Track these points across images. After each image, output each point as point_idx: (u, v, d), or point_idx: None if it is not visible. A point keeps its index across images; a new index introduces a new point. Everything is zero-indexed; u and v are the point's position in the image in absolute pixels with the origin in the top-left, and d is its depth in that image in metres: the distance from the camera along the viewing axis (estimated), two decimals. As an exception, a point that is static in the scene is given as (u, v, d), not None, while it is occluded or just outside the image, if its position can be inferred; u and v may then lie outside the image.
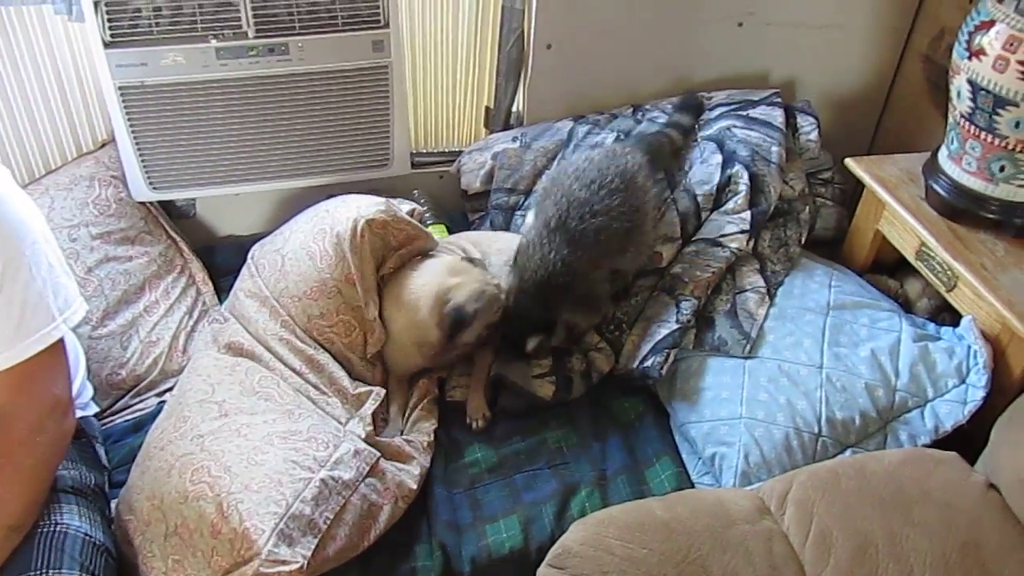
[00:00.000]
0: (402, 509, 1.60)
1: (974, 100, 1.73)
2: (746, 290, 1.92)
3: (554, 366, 1.84)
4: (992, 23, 1.67)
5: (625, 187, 1.81)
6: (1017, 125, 1.68)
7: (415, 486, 1.63)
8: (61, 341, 1.38)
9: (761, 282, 1.93)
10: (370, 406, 1.71)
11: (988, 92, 1.69)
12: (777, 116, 2.13)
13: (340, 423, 1.67)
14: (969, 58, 1.71)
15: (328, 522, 1.46)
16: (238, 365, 1.73)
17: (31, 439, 1.34)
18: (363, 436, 1.64)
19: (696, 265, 1.92)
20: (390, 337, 1.82)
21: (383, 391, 1.76)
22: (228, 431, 1.55)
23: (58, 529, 1.37)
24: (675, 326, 1.83)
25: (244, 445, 1.52)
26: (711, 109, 2.20)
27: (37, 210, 1.42)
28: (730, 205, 2.00)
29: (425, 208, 2.20)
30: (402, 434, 1.75)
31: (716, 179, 2.02)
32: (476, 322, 1.76)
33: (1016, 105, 1.66)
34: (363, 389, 1.74)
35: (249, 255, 1.92)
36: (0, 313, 1.29)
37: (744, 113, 2.15)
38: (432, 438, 1.75)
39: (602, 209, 1.78)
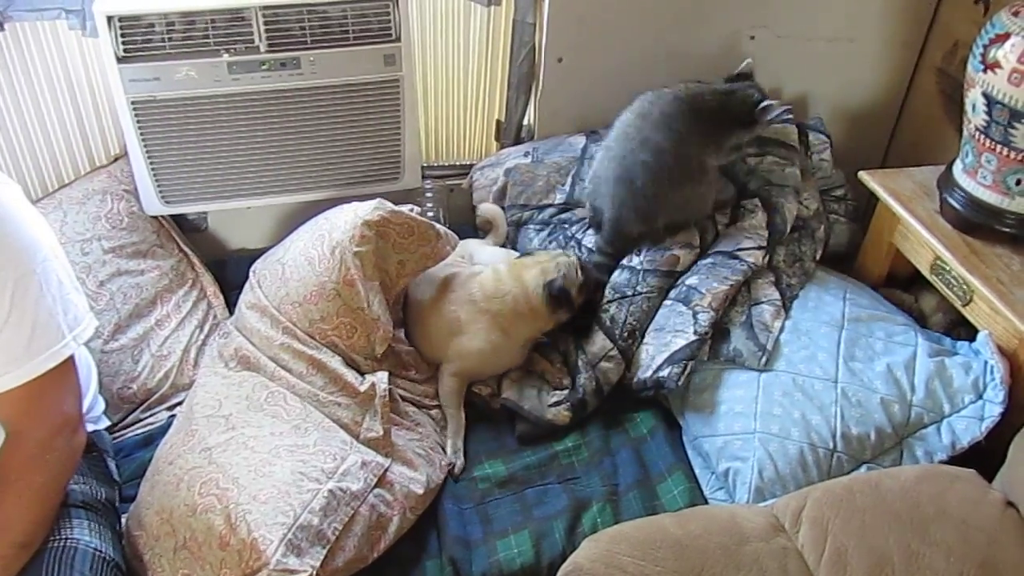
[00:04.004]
0: (411, 520, 1.61)
1: (989, 113, 1.71)
2: (762, 302, 1.91)
3: (568, 393, 1.85)
4: (1007, 36, 1.66)
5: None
6: (1033, 138, 1.67)
7: (421, 492, 1.63)
8: (71, 358, 1.38)
9: (776, 295, 1.92)
10: (380, 397, 1.71)
11: (1004, 105, 1.68)
12: (791, 133, 2.13)
13: (356, 422, 1.68)
14: (984, 71, 1.70)
15: (337, 533, 1.47)
16: (244, 381, 1.73)
17: (41, 457, 1.34)
18: (380, 434, 1.66)
19: (713, 277, 1.91)
20: (489, 345, 1.87)
21: (385, 375, 1.75)
22: (236, 444, 1.56)
23: (68, 544, 1.37)
24: (693, 337, 1.82)
25: (252, 458, 1.53)
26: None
27: (47, 226, 1.42)
28: (747, 223, 2.01)
29: (432, 210, 2.20)
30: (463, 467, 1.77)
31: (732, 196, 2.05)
32: (572, 291, 1.87)
33: (1032, 118, 1.65)
34: (368, 383, 1.73)
35: (251, 270, 1.93)
36: (10, 331, 1.29)
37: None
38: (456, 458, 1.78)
39: None
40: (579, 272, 1.89)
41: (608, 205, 1.98)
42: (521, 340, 1.90)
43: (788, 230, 2.01)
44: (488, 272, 1.92)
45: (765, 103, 1.93)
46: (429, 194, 2.24)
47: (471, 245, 2.09)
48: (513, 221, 2.17)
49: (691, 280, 1.93)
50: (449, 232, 1.91)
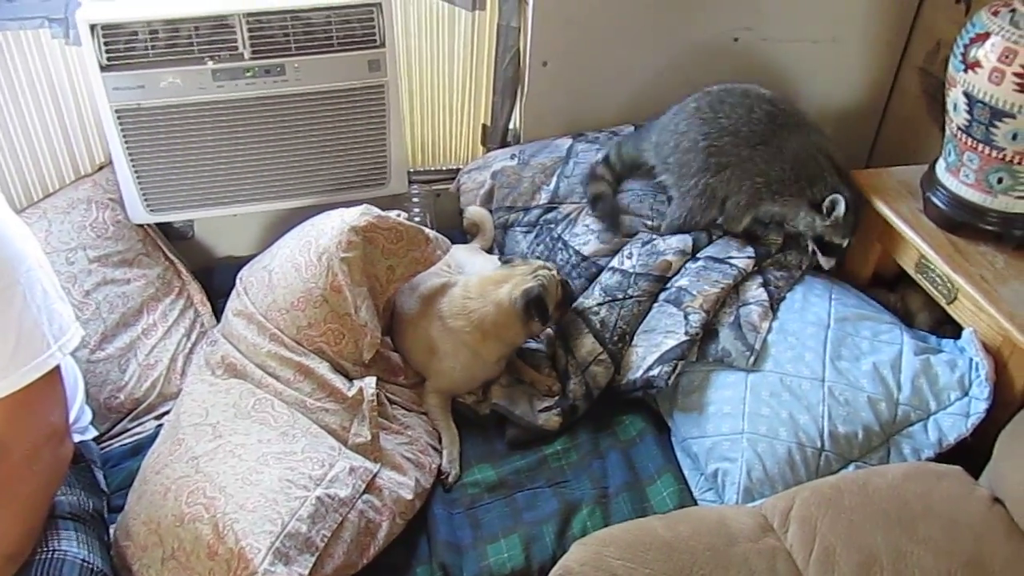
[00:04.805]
0: (400, 526, 1.61)
1: (971, 112, 1.72)
2: (749, 303, 1.91)
3: (558, 399, 1.86)
4: (987, 35, 1.68)
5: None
6: (1014, 137, 1.68)
7: (411, 497, 1.63)
8: (57, 368, 1.37)
9: (764, 296, 1.93)
10: (368, 402, 1.70)
11: (984, 104, 1.69)
12: None
13: (344, 428, 1.67)
14: (965, 70, 1.71)
15: (325, 540, 1.46)
16: (231, 388, 1.73)
17: (27, 468, 1.33)
18: (368, 439, 1.65)
19: (704, 280, 1.92)
20: (459, 363, 1.85)
21: (373, 380, 1.75)
22: (223, 452, 1.55)
23: (55, 556, 1.36)
24: (684, 338, 1.83)
25: (239, 466, 1.52)
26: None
27: (31, 235, 1.41)
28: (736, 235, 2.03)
29: (420, 215, 2.20)
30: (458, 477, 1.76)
31: None
32: (549, 303, 1.82)
33: (1013, 117, 1.66)
34: (356, 389, 1.73)
35: (238, 277, 1.93)
36: None
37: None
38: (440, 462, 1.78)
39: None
40: (559, 287, 1.87)
41: (650, 123, 2.05)
42: (494, 357, 1.88)
43: (775, 252, 2.03)
44: (458, 287, 1.90)
45: (835, 196, 1.89)
46: (416, 199, 2.24)
47: (460, 253, 2.09)
48: (500, 224, 2.18)
49: (681, 282, 1.94)
50: (439, 236, 1.90)
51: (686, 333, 1.83)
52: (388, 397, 1.83)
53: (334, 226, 1.79)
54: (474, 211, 2.20)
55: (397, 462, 1.68)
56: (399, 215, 1.86)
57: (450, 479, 1.74)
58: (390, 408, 1.81)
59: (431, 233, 1.88)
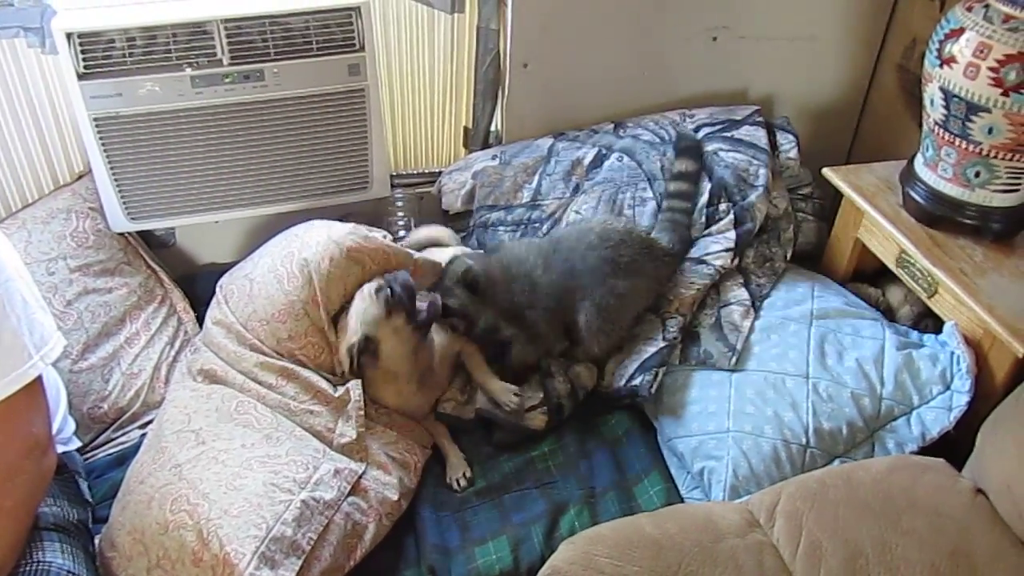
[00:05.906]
0: (387, 527, 1.60)
1: (947, 107, 1.74)
2: (731, 303, 1.92)
3: (544, 397, 1.84)
4: (962, 31, 1.69)
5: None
6: (990, 131, 1.70)
7: (396, 497, 1.63)
8: (39, 379, 1.36)
9: (746, 295, 1.94)
10: (354, 403, 1.69)
11: (960, 99, 1.70)
12: (761, 137, 2.13)
13: (329, 429, 1.67)
14: (940, 66, 1.73)
15: (311, 543, 1.46)
16: (214, 393, 1.72)
17: (9, 480, 1.32)
18: (354, 437, 1.65)
19: (680, 283, 1.93)
20: (384, 393, 1.80)
21: (359, 382, 1.73)
22: (206, 459, 1.55)
23: (40, 568, 1.35)
24: (662, 344, 1.84)
25: (223, 471, 1.52)
26: (695, 129, 2.18)
27: (9, 245, 1.40)
28: (715, 227, 2.02)
29: (403, 218, 2.20)
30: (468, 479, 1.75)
31: (705, 207, 2.04)
32: (415, 283, 1.73)
33: (988, 111, 1.67)
34: (342, 390, 1.72)
35: (218, 285, 1.91)
36: None
37: (729, 134, 2.14)
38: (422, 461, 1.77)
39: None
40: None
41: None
42: (401, 380, 1.77)
43: (757, 229, 2.03)
44: None
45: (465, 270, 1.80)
46: (399, 203, 2.24)
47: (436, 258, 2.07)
48: (481, 223, 2.17)
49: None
50: (428, 259, 1.89)
51: (664, 339, 1.84)
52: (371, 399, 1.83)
53: (319, 240, 1.78)
54: (425, 233, 2.12)
55: (382, 461, 1.67)
56: (386, 237, 1.86)
57: (461, 482, 1.73)
58: (373, 410, 1.80)
59: (419, 257, 1.87)
